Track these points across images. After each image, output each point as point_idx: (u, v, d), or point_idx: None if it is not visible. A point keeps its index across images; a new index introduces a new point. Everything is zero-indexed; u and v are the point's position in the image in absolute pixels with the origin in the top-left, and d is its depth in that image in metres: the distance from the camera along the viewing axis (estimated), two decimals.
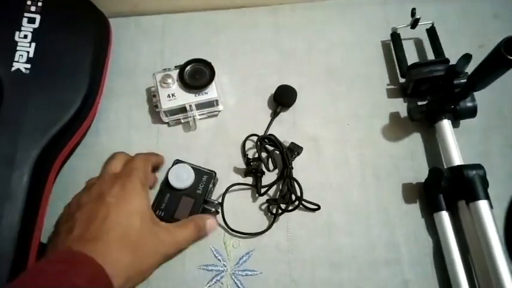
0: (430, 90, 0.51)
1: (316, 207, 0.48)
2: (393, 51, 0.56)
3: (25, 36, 0.49)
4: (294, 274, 0.47)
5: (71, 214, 0.42)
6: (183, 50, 0.57)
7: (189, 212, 0.47)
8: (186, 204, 0.47)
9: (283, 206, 0.48)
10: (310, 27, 0.58)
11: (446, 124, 0.49)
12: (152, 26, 0.58)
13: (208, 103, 0.51)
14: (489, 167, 0.45)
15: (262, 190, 0.49)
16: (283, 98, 0.53)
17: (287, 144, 0.50)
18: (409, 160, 0.51)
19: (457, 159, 0.47)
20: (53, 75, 0.49)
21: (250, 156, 0.51)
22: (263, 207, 0.49)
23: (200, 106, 0.52)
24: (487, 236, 0.42)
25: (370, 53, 0.57)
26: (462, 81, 0.48)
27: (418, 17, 0.53)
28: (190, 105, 0.51)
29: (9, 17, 0.50)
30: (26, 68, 0.48)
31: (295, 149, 0.50)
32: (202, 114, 0.53)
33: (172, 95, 0.50)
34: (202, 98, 0.51)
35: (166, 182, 0.48)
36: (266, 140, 0.51)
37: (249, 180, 0.50)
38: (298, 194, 0.48)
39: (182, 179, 0.48)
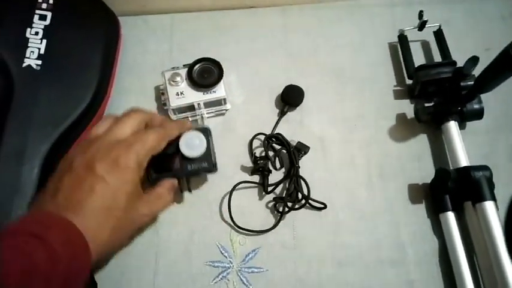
0: (437, 91, 0.52)
1: (323, 206, 0.49)
2: (400, 53, 0.56)
3: (36, 33, 0.50)
4: (299, 272, 0.47)
5: (63, 172, 0.40)
6: (191, 49, 0.57)
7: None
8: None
9: (289, 204, 0.48)
10: (318, 28, 0.59)
11: (452, 126, 0.49)
12: (161, 25, 0.59)
13: (216, 102, 0.52)
14: (495, 169, 0.46)
15: (269, 188, 0.49)
16: (290, 98, 0.53)
17: (294, 144, 0.51)
18: (416, 161, 0.51)
19: (464, 161, 0.47)
20: (63, 71, 0.49)
21: (257, 154, 0.51)
22: (270, 205, 0.50)
23: (208, 104, 0.52)
24: (493, 237, 0.42)
25: (377, 54, 0.57)
26: (469, 83, 0.48)
27: (425, 19, 0.54)
28: (198, 104, 0.51)
29: (21, 14, 0.50)
30: (37, 65, 0.49)
31: (302, 148, 0.50)
32: (210, 112, 0.53)
33: (181, 93, 0.51)
34: (210, 96, 0.51)
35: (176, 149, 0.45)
36: (273, 139, 0.51)
37: (256, 178, 0.51)
38: (305, 192, 0.48)
39: (194, 145, 0.45)
